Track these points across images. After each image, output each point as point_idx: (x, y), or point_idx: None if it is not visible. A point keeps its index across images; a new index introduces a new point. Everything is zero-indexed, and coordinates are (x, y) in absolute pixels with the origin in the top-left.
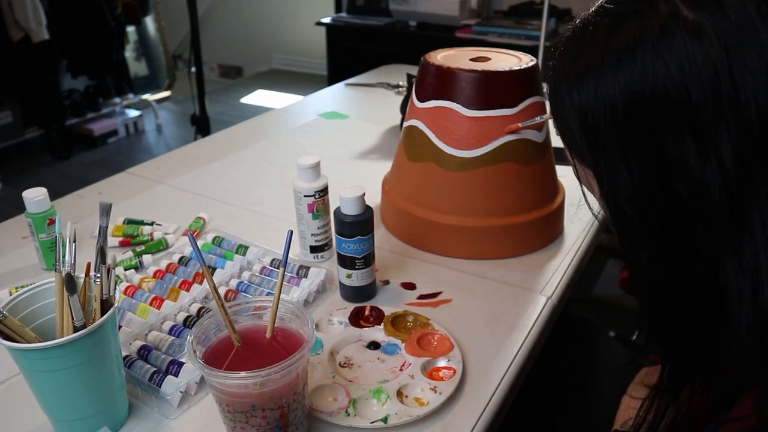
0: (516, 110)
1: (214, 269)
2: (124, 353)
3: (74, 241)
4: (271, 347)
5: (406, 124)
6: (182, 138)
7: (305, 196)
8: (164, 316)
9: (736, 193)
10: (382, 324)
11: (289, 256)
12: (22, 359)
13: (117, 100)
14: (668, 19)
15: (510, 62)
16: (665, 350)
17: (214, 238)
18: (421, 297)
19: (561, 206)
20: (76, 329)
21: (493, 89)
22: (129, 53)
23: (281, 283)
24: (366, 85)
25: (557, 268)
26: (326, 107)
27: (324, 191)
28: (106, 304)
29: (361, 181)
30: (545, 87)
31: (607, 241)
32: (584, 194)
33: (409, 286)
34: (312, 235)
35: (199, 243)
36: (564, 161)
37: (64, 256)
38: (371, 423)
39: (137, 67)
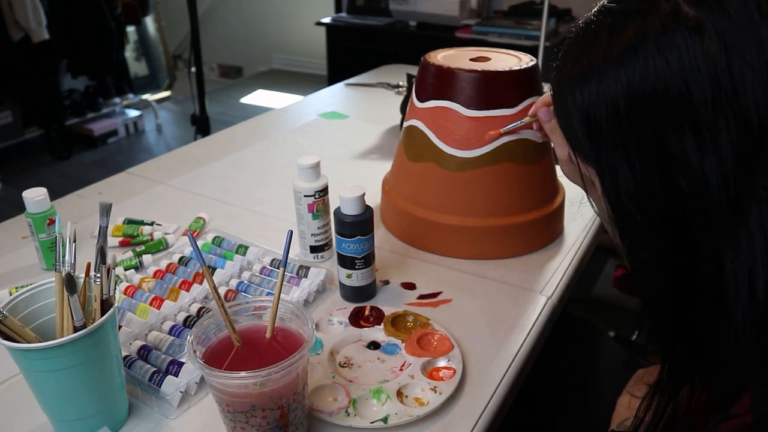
0: (516, 110)
1: (214, 269)
2: (124, 353)
3: (74, 241)
4: (271, 347)
5: (406, 124)
6: (182, 138)
7: (305, 196)
8: (164, 316)
9: (734, 187)
10: (382, 324)
11: (289, 256)
12: (22, 359)
13: (117, 100)
14: (669, 17)
15: (510, 62)
16: (665, 348)
17: (214, 238)
18: (421, 297)
19: (561, 206)
20: (76, 329)
21: (493, 89)
22: (129, 53)
23: (281, 283)
24: (366, 85)
25: (557, 268)
26: (326, 107)
27: (324, 191)
28: (106, 304)
29: (361, 181)
30: (546, 87)
31: (607, 241)
32: (589, 199)
33: (409, 286)
34: (312, 235)
35: (199, 243)
36: None
37: (64, 256)
38: (371, 423)
39: (137, 67)
